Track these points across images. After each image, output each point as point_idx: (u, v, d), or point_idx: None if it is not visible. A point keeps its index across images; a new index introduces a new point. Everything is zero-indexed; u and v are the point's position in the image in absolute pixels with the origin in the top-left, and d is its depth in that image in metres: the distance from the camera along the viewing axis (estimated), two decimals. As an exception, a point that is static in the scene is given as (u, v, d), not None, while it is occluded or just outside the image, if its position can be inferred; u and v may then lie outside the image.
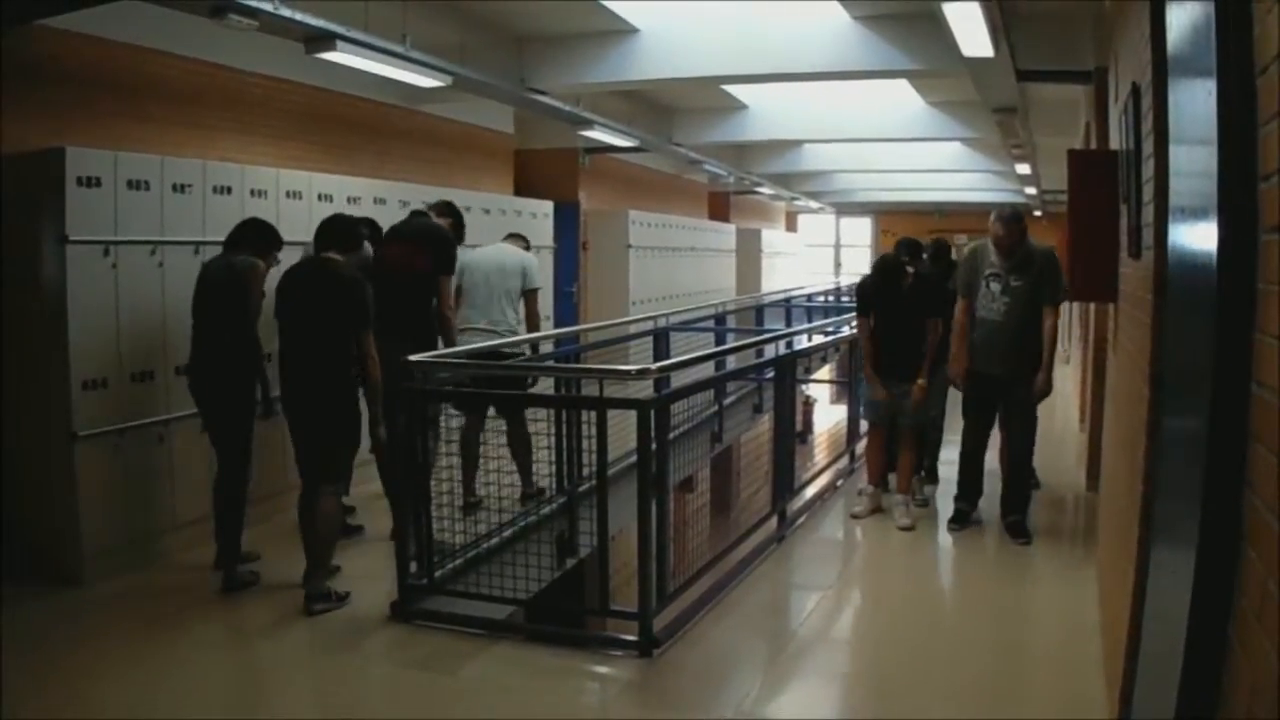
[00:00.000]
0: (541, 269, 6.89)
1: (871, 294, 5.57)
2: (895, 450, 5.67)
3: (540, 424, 5.40)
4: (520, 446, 5.53)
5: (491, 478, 5.07)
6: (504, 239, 6.09)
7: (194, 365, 4.64)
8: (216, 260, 4.69)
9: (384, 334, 4.51)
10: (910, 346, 5.40)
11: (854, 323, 6.09)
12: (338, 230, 4.45)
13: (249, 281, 4.53)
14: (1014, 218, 5.04)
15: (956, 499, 5.43)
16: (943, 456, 6.11)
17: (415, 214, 5.58)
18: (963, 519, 5.35)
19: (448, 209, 5.58)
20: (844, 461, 6.93)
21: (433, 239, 5.24)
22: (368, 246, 5.02)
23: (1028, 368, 5.05)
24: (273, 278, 4.57)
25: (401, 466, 4.36)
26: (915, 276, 5.49)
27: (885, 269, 5.50)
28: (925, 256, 6.02)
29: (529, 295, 5.80)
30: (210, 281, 4.60)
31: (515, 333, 5.67)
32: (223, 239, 4.83)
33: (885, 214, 22.57)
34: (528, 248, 6.13)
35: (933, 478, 6.15)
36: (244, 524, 4.58)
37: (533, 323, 5.87)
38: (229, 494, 4.56)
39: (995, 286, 5.07)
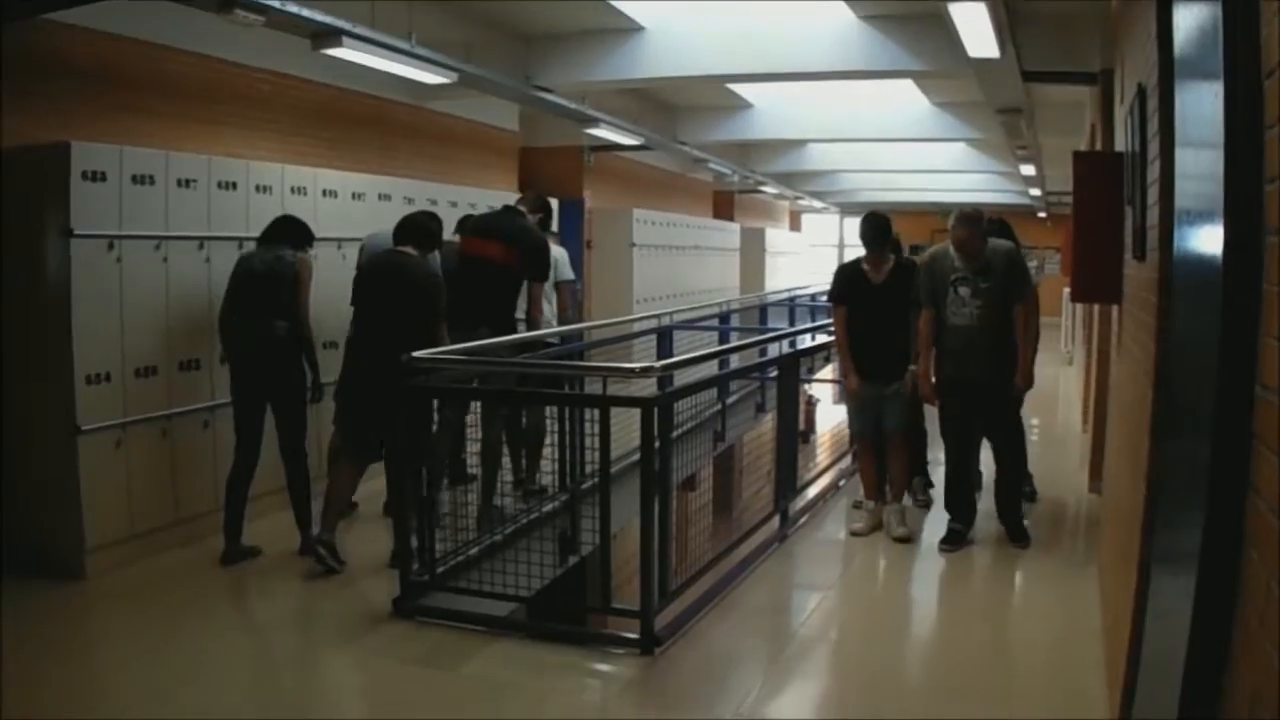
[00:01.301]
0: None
1: (848, 281, 5.27)
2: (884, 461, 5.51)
3: (544, 421, 5.42)
4: (535, 440, 5.55)
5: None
6: None
7: (244, 353, 4.74)
8: (259, 253, 4.80)
9: (466, 323, 4.82)
10: (890, 342, 5.13)
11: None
12: (416, 229, 4.87)
13: (304, 274, 4.78)
14: (976, 217, 4.85)
15: (950, 520, 5.14)
16: (932, 457, 5.99)
17: (508, 209, 5.47)
18: (956, 539, 5.05)
19: (541, 204, 5.56)
20: (846, 461, 6.92)
21: (530, 246, 5.19)
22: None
23: (1009, 372, 4.86)
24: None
25: (408, 465, 4.36)
26: (896, 265, 5.23)
27: (874, 221, 5.22)
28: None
29: (560, 287, 5.92)
30: (257, 273, 4.71)
31: (551, 324, 5.82)
32: (227, 234, 4.94)
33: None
34: (560, 243, 6.25)
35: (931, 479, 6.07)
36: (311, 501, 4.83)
37: (564, 314, 6.01)
38: (290, 473, 4.78)
39: (964, 291, 4.84)
